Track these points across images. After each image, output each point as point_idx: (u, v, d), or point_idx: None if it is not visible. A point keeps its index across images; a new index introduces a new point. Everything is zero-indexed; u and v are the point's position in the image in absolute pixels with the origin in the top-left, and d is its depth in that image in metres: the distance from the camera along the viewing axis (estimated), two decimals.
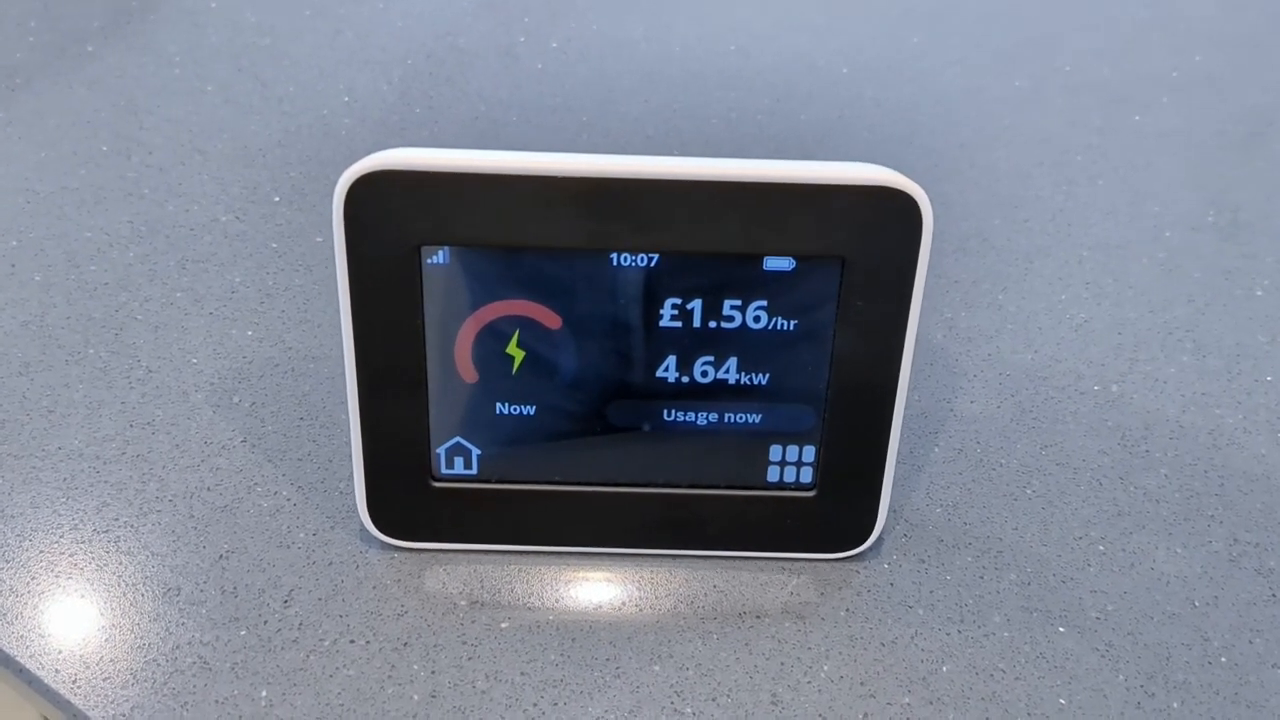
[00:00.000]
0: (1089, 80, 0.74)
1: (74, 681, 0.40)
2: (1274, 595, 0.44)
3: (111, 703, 0.39)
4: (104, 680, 0.40)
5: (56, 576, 0.43)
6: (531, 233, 0.39)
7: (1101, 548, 0.45)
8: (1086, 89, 0.73)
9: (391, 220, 0.39)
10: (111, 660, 0.40)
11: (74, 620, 0.42)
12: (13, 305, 0.54)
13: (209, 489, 0.46)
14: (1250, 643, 0.42)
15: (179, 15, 0.76)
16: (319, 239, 0.58)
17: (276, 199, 0.61)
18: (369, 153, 0.39)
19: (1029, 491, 0.47)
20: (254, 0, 0.77)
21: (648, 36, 0.76)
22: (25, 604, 0.42)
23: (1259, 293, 0.57)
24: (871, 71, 0.73)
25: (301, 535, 0.45)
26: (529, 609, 0.43)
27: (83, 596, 0.42)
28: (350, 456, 0.46)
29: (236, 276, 0.56)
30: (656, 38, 0.76)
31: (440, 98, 0.70)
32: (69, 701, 0.39)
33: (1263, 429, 0.50)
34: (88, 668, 0.40)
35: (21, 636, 0.41)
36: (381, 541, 0.44)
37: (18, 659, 0.40)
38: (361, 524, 0.44)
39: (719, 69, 0.73)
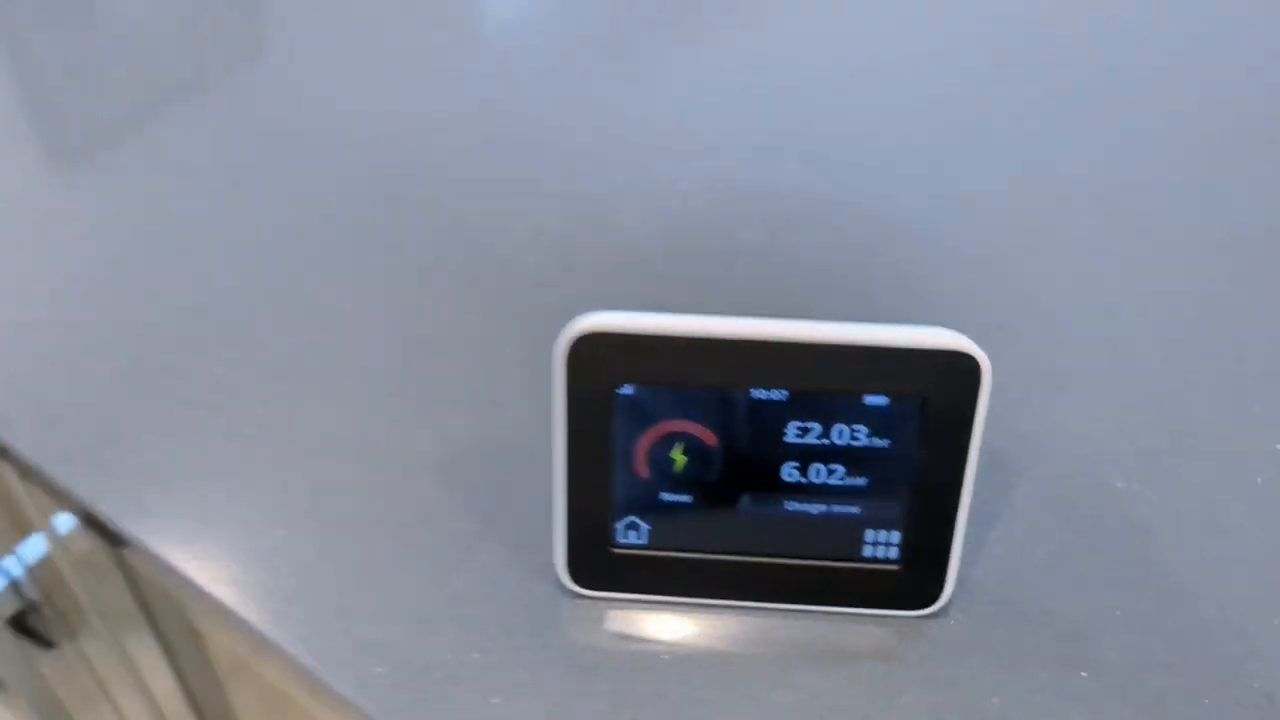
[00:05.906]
0: (1100, 182, 0.83)
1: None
2: None
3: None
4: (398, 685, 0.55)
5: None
6: (695, 374, 0.53)
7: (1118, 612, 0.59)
8: (1100, 191, 0.83)
9: (596, 366, 0.53)
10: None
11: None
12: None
13: (443, 549, 0.61)
14: None
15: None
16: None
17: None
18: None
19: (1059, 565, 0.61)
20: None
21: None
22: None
23: None
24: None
25: (514, 583, 0.60)
26: (681, 644, 0.57)
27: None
28: (552, 528, 0.61)
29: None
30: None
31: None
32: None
33: None
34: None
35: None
36: (574, 591, 0.59)
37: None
38: (557, 577, 0.59)
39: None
